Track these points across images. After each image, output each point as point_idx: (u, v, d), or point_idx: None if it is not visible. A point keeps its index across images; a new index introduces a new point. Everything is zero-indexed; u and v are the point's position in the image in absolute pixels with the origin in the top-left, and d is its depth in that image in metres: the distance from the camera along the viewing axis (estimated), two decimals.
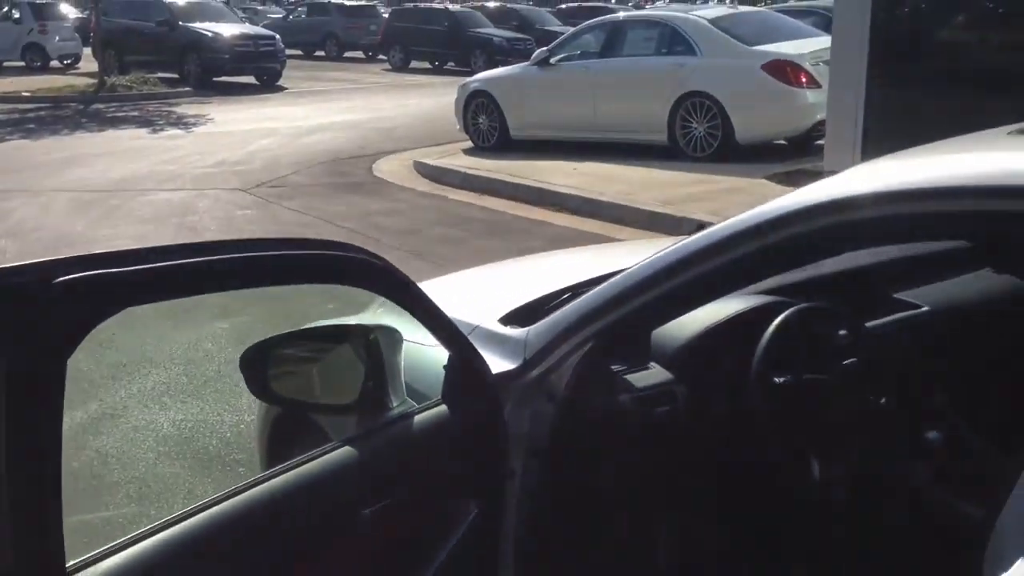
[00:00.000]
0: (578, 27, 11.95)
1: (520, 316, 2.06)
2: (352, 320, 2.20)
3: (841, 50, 7.84)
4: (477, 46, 23.09)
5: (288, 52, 21.63)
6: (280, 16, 32.47)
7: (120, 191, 9.52)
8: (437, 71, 24.16)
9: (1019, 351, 2.13)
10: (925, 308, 2.29)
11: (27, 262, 1.17)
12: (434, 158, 10.73)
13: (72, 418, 4.20)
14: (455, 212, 8.58)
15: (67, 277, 1.14)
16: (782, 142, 9.91)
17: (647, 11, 16.90)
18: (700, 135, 9.78)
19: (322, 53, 28.36)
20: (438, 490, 1.70)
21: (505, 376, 1.84)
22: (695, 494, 1.97)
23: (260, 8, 40.25)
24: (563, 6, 33.56)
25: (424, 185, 9.83)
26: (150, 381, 4.66)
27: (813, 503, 1.98)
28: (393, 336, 1.74)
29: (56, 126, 14.42)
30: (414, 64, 24.86)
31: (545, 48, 11.52)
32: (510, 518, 1.83)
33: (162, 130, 14.07)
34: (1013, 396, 2.09)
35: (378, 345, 1.71)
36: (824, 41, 8.86)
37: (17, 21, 24.11)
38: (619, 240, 6.49)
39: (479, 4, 32.88)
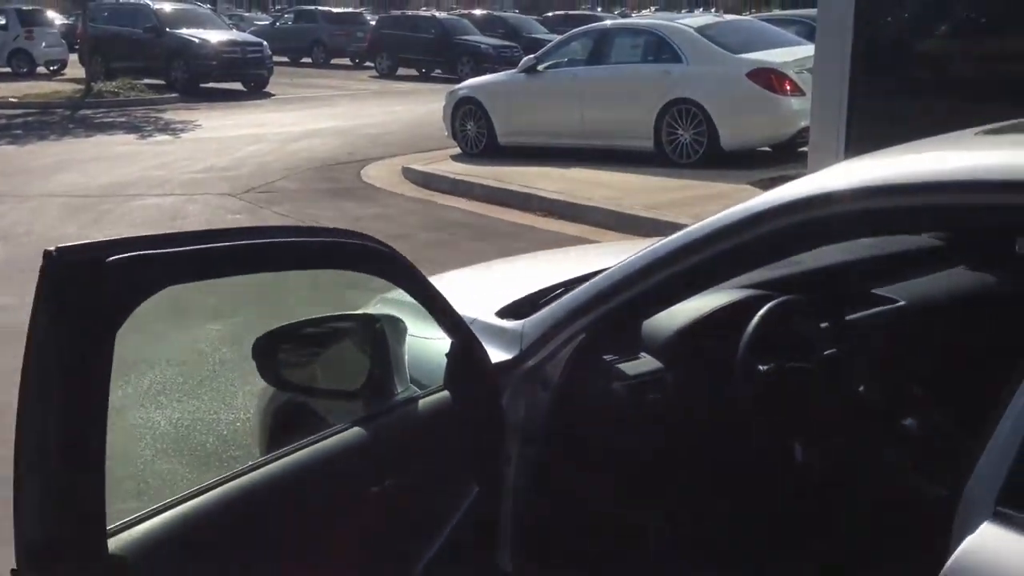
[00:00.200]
0: (565, 35, 12.07)
1: (515, 310, 2.15)
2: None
3: (824, 59, 7.95)
4: (464, 53, 23.22)
5: (275, 59, 21.68)
6: (267, 23, 32.51)
7: (110, 196, 9.56)
8: (424, 78, 24.26)
9: (989, 343, 2.24)
10: (901, 303, 2.39)
11: (83, 242, 1.26)
12: (422, 164, 10.82)
13: None
14: (444, 217, 8.67)
15: (118, 256, 1.23)
16: (766, 149, 10.05)
17: (633, 19, 17.06)
18: (686, 142, 9.91)
19: (309, 60, 28.42)
20: (441, 470, 1.79)
21: (502, 366, 1.94)
22: (684, 477, 2.06)
23: (246, 15, 40.29)
24: (549, 14, 33.75)
25: (413, 191, 9.92)
26: (146, 381, 4.72)
27: (796, 485, 2.08)
28: (398, 326, 1.84)
29: (44, 132, 14.43)
30: (401, 71, 24.95)
31: (533, 55, 11.64)
32: (507, 501, 1.92)
33: (150, 136, 14.10)
34: (984, 385, 2.19)
35: (383, 334, 1.80)
36: (808, 50, 8.99)
37: (3, 27, 24.06)
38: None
39: (466, 12, 33.03)
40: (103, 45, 19.56)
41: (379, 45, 25.53)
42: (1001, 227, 2.28)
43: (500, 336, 2.02)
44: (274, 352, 1.77)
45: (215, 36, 20.11)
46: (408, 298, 1.99)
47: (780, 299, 2.05)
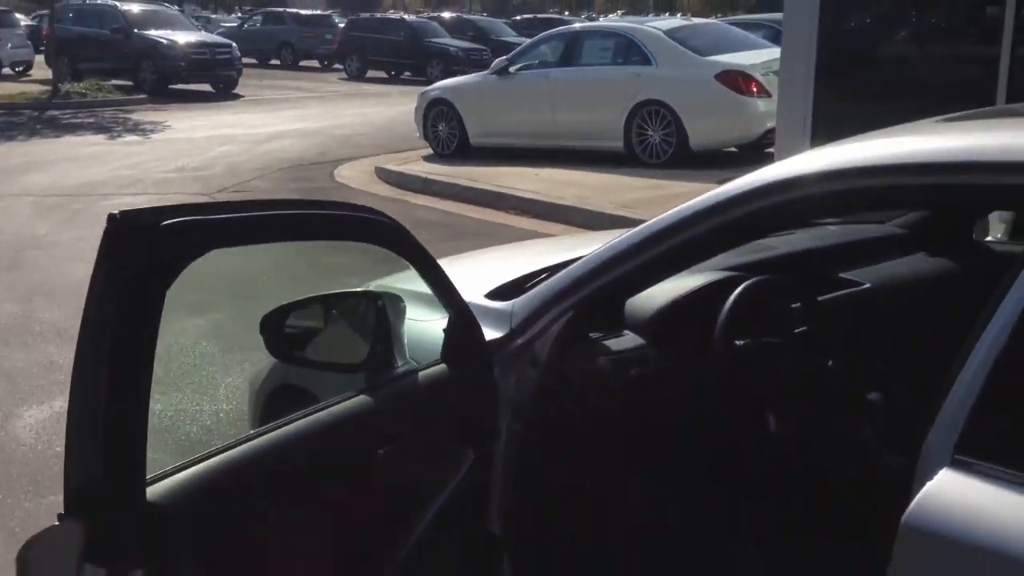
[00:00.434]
0: (537, 37, 12.20)
1: (504, 292, 2.26)
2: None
3: (790, 62, 8.18)
4: (433, 56, 23.30)
5: (243, 61, 21.63)
6: (234, 25, 32.38)
7: (82, 196, 9.55)
8: (394, 80, 24.31)
9: (947, 322, 2.39)
10: (867, 285, 2.54)
11: (141, 207, 1.36)
12: (395, 164, 10.90)
13: (52, 407, 4.32)
14: (418, 216, 8.75)
15: (172, 220, 1.33)
16: (734, 149, 10.25)
17: (603, 22, 17.24)
18: (656, 142, 10.08)
19: (277, 62, 28.38)
20: (440, 437, 1.89)
21: (493, 344, 2.04)
22: (665, 446, 2.18)
23: (213, 16, 40.08)
24: (518, 17, 33.94)
25: (386, 190, 10.00)
26: None
27: (769, 452, 2.21)
28: (397, 303, 1.94)
29: (11, 132, 14.33)
30: (370, 73, 24.99)
31: (505, 57, 11.76)
32: (497, 471, 2.03)
33: (120, 136, 14.05)
34: (941, 360, 2.34)
35: (385, 311, 1.91)
36: (774, 52, 9.21)
37: None
38: None
39: (435, 15, 33.11)
40: (70, 46, 19.42)
41: (348, 47, 25.55)
42: (955, 205, 2.44)
43: (490, 316, 2.12)
44: (281, 327, 1.87)
45: (184, 37, 20.05)
46: (397, 286, 2.11)
47: (755, 279, 2.18)
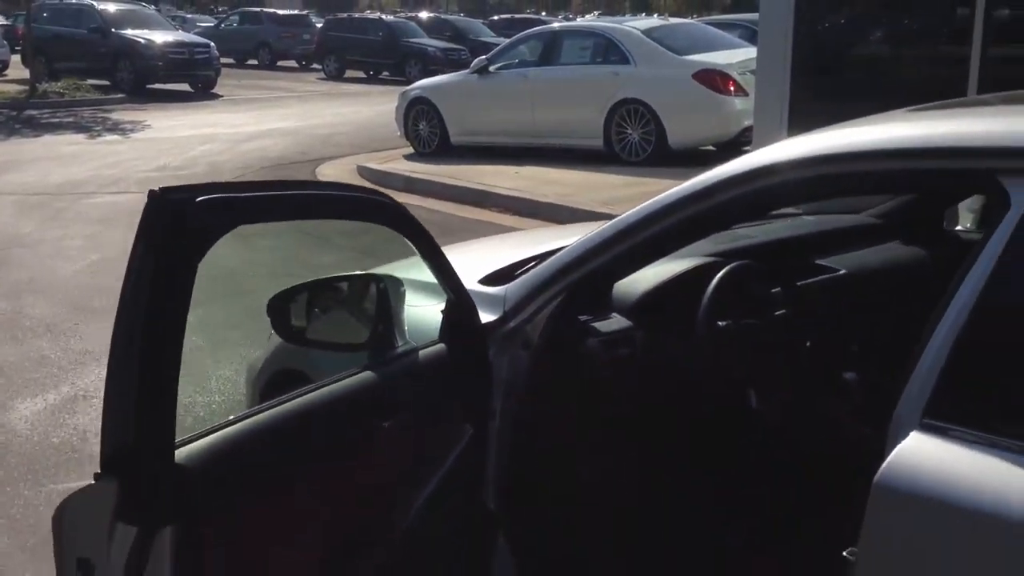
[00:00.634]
0: (516, 36, 12.30)
1: (497, 278, 2.37)
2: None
3: (766, 61, 8.33)
4: (412, 56, 23.35)
5: (220, 60, 21.60)
6: (211, 24, 32.27)
7: (64, 194, 9.56)
8: (372, 80, 24.35)
9: (918, 306, 2.51)
10: (843, 271, 2.66)
11: (179, 185, 1.45)
12: (377, 163, 10.97)
13: (46, 400, 4.38)
14: None
15: (206, 197, 1.43)
16: (712, 148, 10.39)
17: (581, 22, 17.36)
18: (635, 141, 10.21)
19: (255, 62, 28.32)
20: (439, 413, 1.99)
21: (487, 327, 2.15)
22: (652, 422, 2.29)
23: (189, 16, 39.88)
24: (496, 17, 34.04)
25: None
26: None
27: (750, 428, 2.33)
28: (398, 286, 2.04)
29: None
30: (349, 73, 25.00)
31: (484, 56, 11.85)
32: (491, 448, 2.13)
33: (99, 136, 14.03)
34: (912, 342, 2.47)
35: (386, 293, 2.01)
36: (751, 52, 9.37)
37: None
38: None
39: (412, 15, 33.15)
40: (46, 46, 19.34)
41: (327, 47, 25.55)
42: (924, 188, 2.56)
43: (484, 301, 2.22)
44: (287, 309, 1.96)
45: (161, 37, 20.00)
46: (394, 274, 2.20)
47: (736, 264, 2.29)
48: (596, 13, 47.76)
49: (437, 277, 1.98)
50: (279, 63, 28.41)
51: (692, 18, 21.38)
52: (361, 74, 24.97)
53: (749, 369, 2.29)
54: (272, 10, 32.40)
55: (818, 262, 2.69)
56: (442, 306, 2.11)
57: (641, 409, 2.28)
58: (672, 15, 25.79)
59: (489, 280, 2.36)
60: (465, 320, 2.04)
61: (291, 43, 28.35)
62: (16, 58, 23.06)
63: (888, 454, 1.53)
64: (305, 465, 1.67)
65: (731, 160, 2.00)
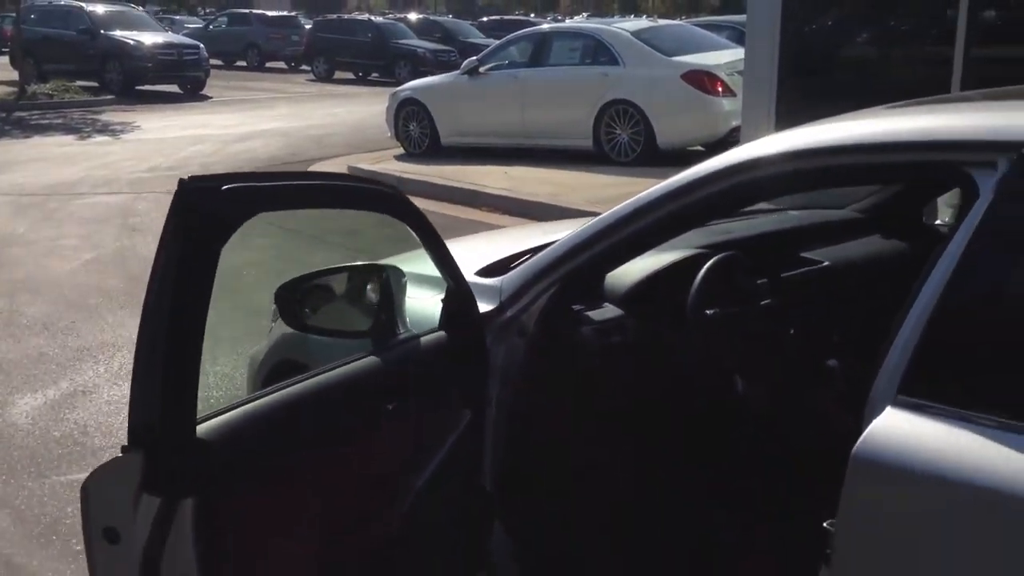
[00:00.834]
0: (506, 38, 12.39)
1: (493, 270, 2.46)
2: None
3: (753, 62, 8.45)
4: (401, 57, 23.41)
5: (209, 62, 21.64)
6: (199, 26, 32.27)
7: (56, 195, 9.61)
8: (362, 81, 24.41)
9: (898, 298, 2.61)
10: (826, 263, 2.75)
11: (206, 174, 1.54)
12: (368, 163, 11.04)
13: (46, 396, 4.45)
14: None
15: (231, 185, 1.51)
16: (700, 148, 10.50)
17: (571, 23, 17.47)
18: (624, 141, 10.32)
19: (243, 63, 28.34)
20: (440, 397, 2.08)
21: (484, 316, 2.23)
22: (643, 407, 2.38)
23: (176, 18, 39.84)
24: (485, 19, 34.14)
25: None
26: (116, 362, 4.92)
27: (736, 411, 2.43)
28: (399, 276, 2.13)
29: None
30: (338, 75, 25.06)
31: (475, 57, 11.95)
32: (488, 433, 2.22)
33: (89, 137, 14.06)
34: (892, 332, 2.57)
35: (388, 282, 2.09)
36: (738, 53, 9.49)
37: None
38: None
39: (401, 16, 33.22)
40: (35, 47, 19.33)
41: (316, 49, 25.59)
42: (895, 182, 2.67)
43: (481, 291, 2.31)
44: (294, 298, 2.04)
45: (151, 38, 20.01)
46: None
47: (723, 255, 2.39)
48: (585, 15, 47.91)
49: (438, 266, 2.07)
50: (268, 64, 28.45)
51: (680, 19, 21.52)
52: (350, 75, 25.03)
53: (735, 355, 2.38)
54: (261, 11, 32.41)
55: (802, 255, 2.79)
56: (440, 298, 2.20)
57: (632, 394, 2.37)
58: (661, 17, 25.96)
59: (486, 272, 2.45)
60: (464, 309, 2.13)
61: (280, 44, 28.38)
62: (3, 60, 23.01)
63: (864, 429, 1.62)
64: (315, 441, 1.76)
65: (712, 157, 2.11)
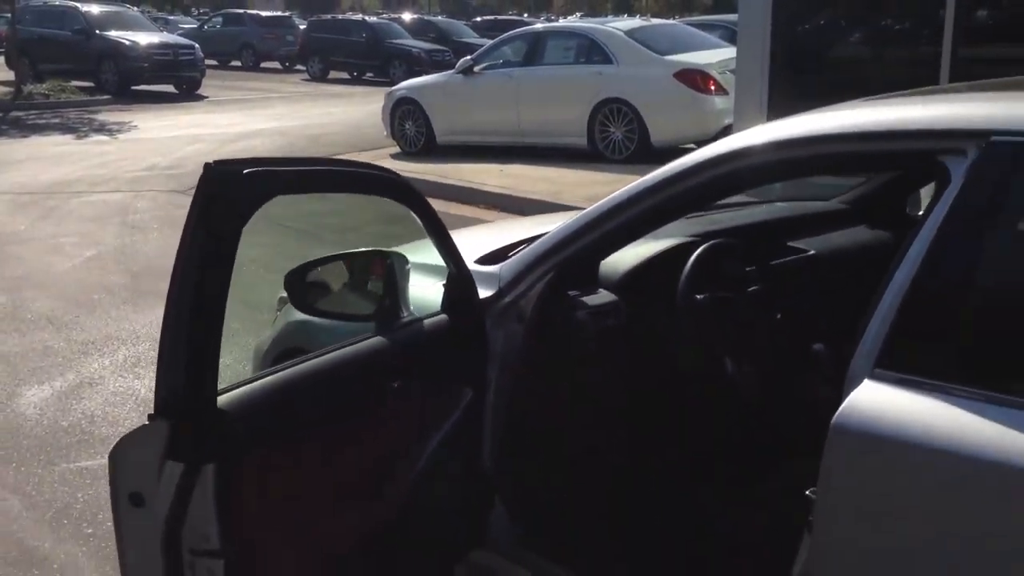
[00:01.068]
0: (500, 37, 12.50)
1: (492, 258, 2.56)
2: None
3: (745, 61, 8.56)
4: (396, 57, 23.49)
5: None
6: (194, 26, 32.32)
7: (56, 193, 9.69)
8: (356, 81, 24.49)
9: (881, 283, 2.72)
10: (813, 252, 2.86)
11: (229, 158, 1.64)
12: None
13: (53, 387, 4.54)
14: (390, 211, 8.97)
15: (251, 169, 1.61)
16: (692, 146, 10.62)
17: (564, 23, 17.58)
18: (618, 139, 10.43)
19: (238, 63, 28.40)
20: (442, 377, 2.18)
21: (484, 302, 2.34)
22: (636, 388, 2.49)
23: (171, 18, 39.88)
24: (479, 19, 34.22)
25: None
26: (120, 355, 5.01)
27: (725, 393, 2.53)
28: (403, 262, 2.23)
29: None
30: (333, 74, 25.13)
31: (470, 57, 12.04)
32: (487, 415, 2.31)
33: (87, 136, 14.14)
34: None
35: (392, 268, 2.19)
36: (730, 52, 9.59)
37: None
38: None
39: (395, 16, 33.28)
40: (30, 47, 19.38)
41: (310, 49, 25.67)
42: (876, 170, 2.77)
43: (481, 278, 2.41)
44: (303, 283, 2.14)
45: (146, 38, 20.07)
46: None
47: (713, 242, 2.49)
48: (579, 14, 48.01)
49: (440, 251, 2.17)
50: (263, 64, 28.52)
51: (674, 19, 21.64)
52: (345, 75, 25.11)
53: (724, 338, 2.49)
54: (255, 11, 32.48)
55: (790, 244, 2.90)
56: (440, 284, 2.30)
57: (625, 375, 2.47)
58: (654, 16, 26.08)
59: (485, 259, 2.55)
60: (465, 293, 2.23)
61: (274, 44, 28.46)
62: None
63: (843, 401, 1.73)
64: (324, 414, 1.86)
65: (702, 148, 2.21)
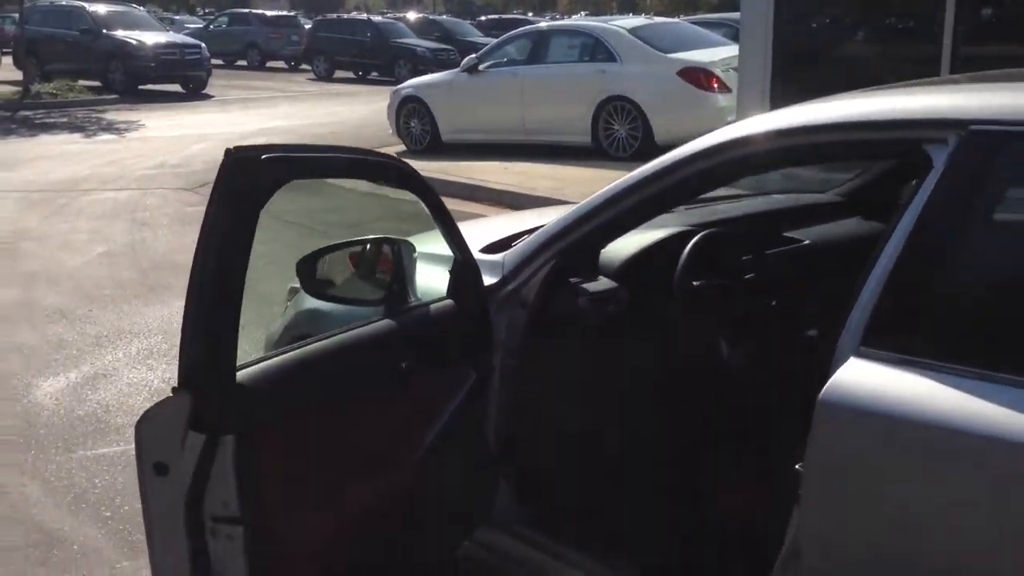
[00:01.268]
0: (505, 36, 12.58)
1: (496, 247, 2.65)
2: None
3: (748, 59, 8.67)
4: (401, 56, 23.58)
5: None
6: (200, 26, 32.45)
7: (66, 191, 9.80)
8: (362, 80, 24.59)
9: None
10: (807, 242, 2.95)
11: (249, 144, 1.73)
12: None
13: (68, 379, 4.64)
14: (396, 208, 9.09)
15: (270, 155, 1.71)
16: None
17: (569, 21, 17.66)
18: (622, 136, 10.52)
19: (244, 63, 28.53)
20: (448, 359, 2.28)
21: (488, 289, 2.43)
22: (636, 372, 2.58)
23: (176, 18, 40.03)
24: (483, 18, 34.31)
25: (363, 185, 10.27)
26: (133, 348, 5.11)
27: (721, 376, 2.62)
28: (411, 249, 2.32)
29: None
30: (338, 74, 25.23)
31: (474, 55, 12.14)
32: (491, 397, 2.41)
33: (95, 135, 14.26)
34: None
35: (400, 254, 2.29)
36: (733, 50, 9.69)
37: None
38: None
39: (399, 15, 33.38)
40: (38, 47, 19.52)
41: (316, 48, 25.78)
42: (866, 158, 2.85)
43: (485, 266, 2.50)
44: (314, 269, 2.24)
45: (153, 38, 20.20)
46: None
47: (711, 231, 2.58)
48: (583, 13, 48.07)
49: (446, 237, 2.27)
50: (268, 64, 28.65)
51: (678, 18, 21.72)
52: (350, 74, 25.21)
53: (720, 324, 2.58)
54: (260, 11, 32.60)
55: (785, 234, 2.98)
56: (447, 271, 2.39)
57: (625, 360, 2.56)
58: (658, 15, 26.16)
59: (490, 248, 2.65)
60: (470, 279, 2.32)
61: (280, 44, 28.58)
62: (7, 60, 23.20)
63: (829, 378, 1.82)
64: (338, 390, 1.96)
65: (699, 137, 2.29)
